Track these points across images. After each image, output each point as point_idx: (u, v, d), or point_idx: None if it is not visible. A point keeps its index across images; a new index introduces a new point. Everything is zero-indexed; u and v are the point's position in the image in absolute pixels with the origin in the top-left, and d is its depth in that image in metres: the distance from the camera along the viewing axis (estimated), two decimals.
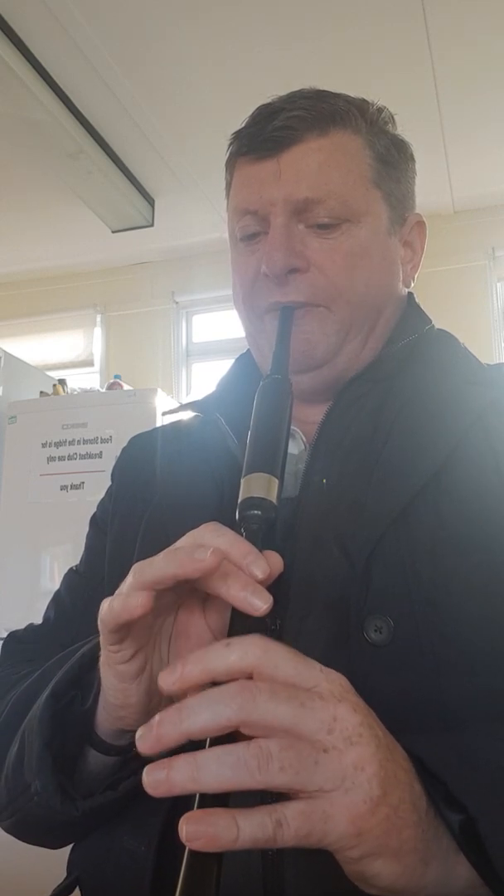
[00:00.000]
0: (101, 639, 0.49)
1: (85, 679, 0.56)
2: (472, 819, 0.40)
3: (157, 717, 0.38)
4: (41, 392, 3.02)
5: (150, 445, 0.81)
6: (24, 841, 0.62)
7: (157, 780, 0.37)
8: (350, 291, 0.67)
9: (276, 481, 0.51)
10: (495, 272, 3.32)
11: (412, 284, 0.77)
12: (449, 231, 3.26)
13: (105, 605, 0.46)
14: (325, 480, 0.64)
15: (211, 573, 0.43)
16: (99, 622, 0.47)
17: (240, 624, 0.45)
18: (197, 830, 0.35)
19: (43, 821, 0.56)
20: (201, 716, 0.37)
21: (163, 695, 0.51)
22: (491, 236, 3.32)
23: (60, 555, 2.49)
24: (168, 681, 0.39)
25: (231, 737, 0.38)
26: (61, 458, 2.57)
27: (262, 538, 0.49)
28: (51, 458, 2.59)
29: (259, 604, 0.43)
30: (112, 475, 0.83)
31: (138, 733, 0.38)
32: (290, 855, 0.52)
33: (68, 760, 0.55)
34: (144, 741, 0.38)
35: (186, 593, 0.51)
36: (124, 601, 0.44)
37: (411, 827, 0.39)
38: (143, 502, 0.74)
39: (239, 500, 0.51)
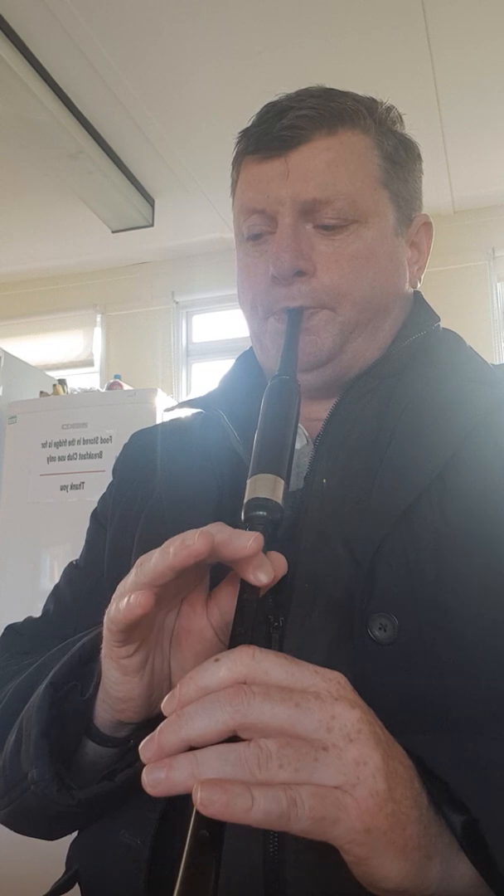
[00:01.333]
0: (106, 635, 0.49)
1: (84, 670, 0.56)
2: (474, 820, 0.40)
3: (158, 727, 0.39)
4: (41, 392, 3.02)
5: (151, 441, 0.81)
6: (19, 832, 0.62)
7: (157, 779, 0.37)
8: (355, 294, 0.67)
9: (282, 482, 0.51)
10: (495, 272, 3.32)
11: (418, 285, 0.77)
12: (449, 231, 3.26)
13: (113, 605, 0.46)
14: (325, 480, 0.64)
15: (203, 556, 0.44)
16: (108, 621, 0.47)
17: (241, 622, 0.45)
18: (211, 796, 0.35)
19: (39, 811, 0.56)
20: (199, 721, 0.38)
21: (164, 690, 0.52)
22: (491, 236, 3.32)
23: (60, 554, 2.49)
24: (169, 707, 0.40)
25: (232, 741, 0.38)
26: (61, 458, 2.57)
27: (267, 539, 0.49)
28: (51, 458, 2.59)
29: (261, 577, 0.45)
30: (113, 470, 0.83)
31: (141, 745, 0.39)
32: (291, 853, 0.52)
33: (66, 751, 0.55)
34: (147, 750, 0.38)
35: (190, 589, 0.51)
36: (127, 602, 0.45)
37: (414, 823, 0.39)
38: (143, 498, 0.74)
39: (245, 501, 0.51)
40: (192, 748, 0.38)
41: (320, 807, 0.36)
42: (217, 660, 0.40)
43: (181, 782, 0.36)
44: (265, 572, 0.45)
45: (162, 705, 0.40)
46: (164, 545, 0.46)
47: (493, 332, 3.26)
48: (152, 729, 0.39)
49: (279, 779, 0.36)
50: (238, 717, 0.37)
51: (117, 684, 0.50)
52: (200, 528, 0.46)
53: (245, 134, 0.71)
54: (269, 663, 0.39)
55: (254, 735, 0.38)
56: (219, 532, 0.46)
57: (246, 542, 0.45)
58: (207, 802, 0.35)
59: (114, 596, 0.48)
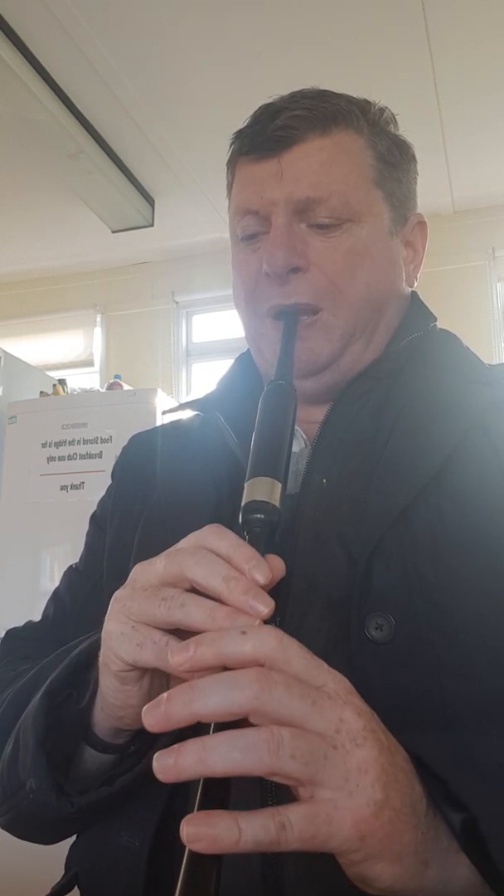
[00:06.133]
0: (109, 653, 0.48)
1: (80, 678, 0.55)
2: (473, 818, 0.40)
3: (166, 694, 0.38)
4: (41, 392, 3.02)
5: (150, 444, 0.81)
6: (19, 837, 0.62)
7: (166, 765, 0.37)
8: (351, 291, 0.67)
9: (280, 485, 0.51)
10: (495, 272, 3.32)
11: (415, 284, 0.77)
12: (449, 231, 3.26)
13: (127, 643, 0.46)
14: (324, 481, 0.64)
15: (220, 587, 0.43)
16: (112, 653, 0.47)
17: None
18: (198, 832, 0.35)
19: (38, 817, 0.56)
20: (213, 698, 0.37)
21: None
22: (491, 236, 3.32)
23: (60, 554, 2.49)
24: (179, 659, 0.39)
25: (237, 725, 0.38)
26: (61, 458, 2.57)
27: (264, 542, 0.49)
28: (51, 458, 2.59)
29: (261, 608, 0.43)
30: (112, 473, 0.83)
31: (145, 709, 0.38)
32: (289, 855, 0.52)
33: (64, 758, 0.55)
34: (152, 717, 0.38)
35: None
36: (157, 654, 0.44)
37: (411, 831, 0.39)
38: (143, 500, 0.74)
39: (242, 504, 0.51)
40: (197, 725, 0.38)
41: (310, 828, 0.36)
42: (245, 632, 0.39)
43: (188, 767, 0.36)
44: (264, 603, 0.43)
45: (171, 654, 0.40)
46: (172, 553, 0.46)
47: (492, 332, 3.26)
48: (151, 735, 0.39)
49: (287, 768, 0.36)
50: (257, 703, 0.37)
51: (115, 692, 0.50)
52: (211, 537, 0.46)
53: (239, 135, 0.71)
54: (293, 652, 0.39)
55: (264, 722, 0.37)
56: (233, 553, 0.45)
57: (259, 578, 0.44)
58: (194, 839, 0.35)
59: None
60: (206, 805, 0.37)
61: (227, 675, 0.38)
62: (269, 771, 0.36)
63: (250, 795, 0.52)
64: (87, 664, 0.55)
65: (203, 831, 0.35)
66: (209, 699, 0.37)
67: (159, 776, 0.37)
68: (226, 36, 2.29)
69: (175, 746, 0.37)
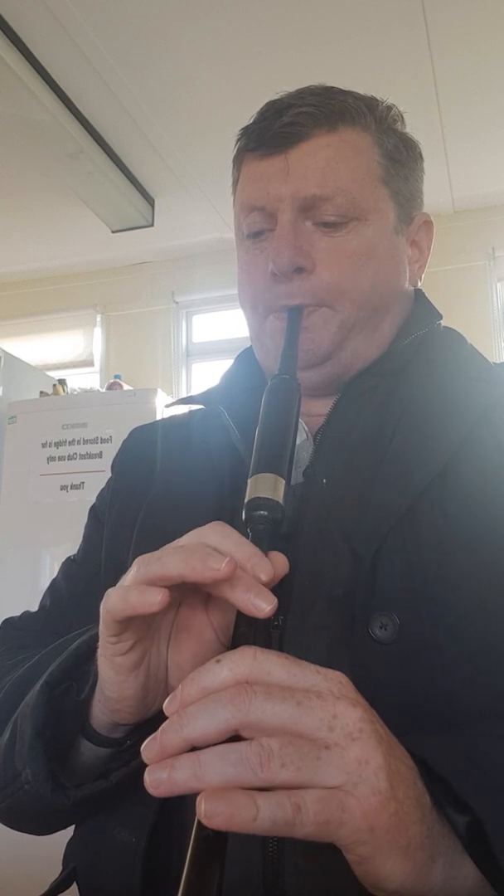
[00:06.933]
0: (102, 628, 0.48)
1: (80, 670, 0.55)
2: (477, 821, 0.40)
3: (161, 727, 0.38)
4: (41, 392, 3.02)
5: (150, 438, 0.81)
6: (12, 828, 0.62)
7: (159, 779, 0.37)
8: (355, 291, 0.67)
9: (283, 481, 0.51)
10: (495, 272, 3.32)
11: (419, 284, 0.77)
12: (449, 231, 3.26)
13: (115, 594, 0.45)
14: (325, 481, 0.64)
15: (223, 582, 0.43)
16: (104, 610, 0.47)
17: (244, 622, 0.45)
18: (216, 808, 0.35)
19: (33, 808, 0.56)
20: (200, 721, 0.37)
21: (160, 690, 0.52)
22: (491, 236, 3.32)
23: (60, 554, 2.47)
24: (171, 708, 0.39)
25: (234, 741, 0.38)
26: (61, 458, 2.57)
27: (268, 539, 0.49)
28: (51, 458, 2.59)
29: (263, 606, 0.43)
30: (112, 466, 0.83)
31: (144, 744, 0.38)
32: (290, 855, 0.52)
33: (61, 750, 0.55)
34: (149, 751, 0.38)
35: (190, 589, 0.51)
36: (142, 595, 0.44)
37: (417, 824, 0.39)
38: (142, 494, 0.74)
39: (245, 500, 0.51)
40: (194, 749, 0.38)
41: (324, 811, 0.36)
42: (218, 661, 0.40)
43: (183, 783, 0.36)
44: (266, 601, 0.43)
45: (164, 706, 0.40)
46: (178, 546, 0.45)
47: (493, 331, 3.26)
48: (148, 729, 0.39)
49: (281, 778, 0.36)
50: (240, 716, 0.37)
51: (111, 683, 0.50)
52: (213, 535, 0.45)
53: (245, 131, 0.71)
54: (270, 664, 0.39)
55: (256, 734, 0.37)
56: (235, 550, 0.45)
57: (261, 576, 0.44)
58: (212, 814, 0.34)
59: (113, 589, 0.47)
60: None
61: (209, 696, 0.38)
62: (264, 783, 0.36)
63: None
64: (87, 656, 0.55)
65: (221, 807, 0.35)
66: (197, 723, 0.37)
67: (151, 790, 0.37)
68: (226, 36, 2.29)
69: (168, 760, 0.37)
